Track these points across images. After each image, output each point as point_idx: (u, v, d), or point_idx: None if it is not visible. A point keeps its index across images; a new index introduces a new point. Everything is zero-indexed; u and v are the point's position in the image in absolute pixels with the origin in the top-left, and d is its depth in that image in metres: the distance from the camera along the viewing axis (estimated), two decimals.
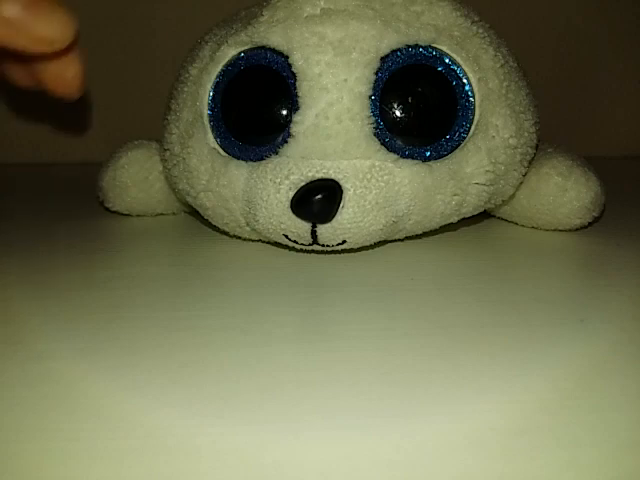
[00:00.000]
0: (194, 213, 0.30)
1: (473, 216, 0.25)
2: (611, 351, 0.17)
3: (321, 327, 0.19)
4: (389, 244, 0.26)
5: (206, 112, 0.24)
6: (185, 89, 0.24)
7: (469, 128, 0.22)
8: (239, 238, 0.26)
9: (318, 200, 0.21)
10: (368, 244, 0.24)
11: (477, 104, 0.22)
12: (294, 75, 0.22)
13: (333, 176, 0.22)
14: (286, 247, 0.25)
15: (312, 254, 0.25)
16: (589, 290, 0.22)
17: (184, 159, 0.24)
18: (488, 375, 0.16)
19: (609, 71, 0.42)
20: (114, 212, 0.31)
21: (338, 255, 0.25)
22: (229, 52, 0.23)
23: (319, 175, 0.22)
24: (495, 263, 0.25)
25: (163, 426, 0.14)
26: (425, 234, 0.26)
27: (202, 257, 0.26)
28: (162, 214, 0.31)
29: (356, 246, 0.24)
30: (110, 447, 0.14)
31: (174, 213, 0.31)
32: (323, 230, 0.22)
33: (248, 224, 0.24)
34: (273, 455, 0.13)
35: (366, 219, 0.22)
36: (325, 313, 0.20)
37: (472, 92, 0.22)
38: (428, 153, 0.22)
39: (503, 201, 0.26)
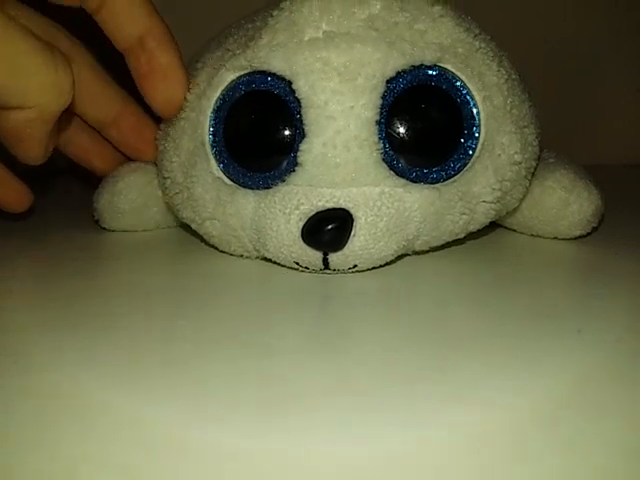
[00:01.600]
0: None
1: None
2: (608, 362, 0.17)
3: (321, 338, 0.19)
4: None
5: (207, 139, 0.23)
6: (183, 115, 0.24)
7: (475, 148, 0.22)
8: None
9: (329, 230, 0.21)
10: (379, 266, 0.23)
11: (482, 123, 0.22)
12: (298, 101, 0.21)
13: (343, 205, 0.21)
14: None
15: None
16: (586, 300, 0.22)
17: (188, 188, 0.23)
18: (484, 385, 0.16)
19: (608, 78, 0.42)
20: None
21: None
22: (228, 77, 0.23)
23: (329, 205, 0.21)
24: (492, 272, 0.25)
25: (161, 436, 0.14)
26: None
27: (202, 267, 0.26)
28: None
29: (366, 268, 0.23)
30: (110, 457, 0.13)
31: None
32: (335, 258, 0.22)
33: (257, 250, 0.24)
34: (273, 465, 0.13)
35: (377, 246, 0.22)
36: (325, 324, 0.20)
37: (477, 111, 0.22)
38: (436, 175, 0.22)
39: (507, 214, 0.26)
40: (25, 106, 0.20)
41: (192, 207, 0.24)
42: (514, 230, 0.29)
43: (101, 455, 0.14)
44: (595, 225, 0.27)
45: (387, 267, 0.25)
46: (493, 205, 0.23)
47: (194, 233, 0.26)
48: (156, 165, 0.27)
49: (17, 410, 0.15)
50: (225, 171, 0.23)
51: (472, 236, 0.27)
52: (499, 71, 0.23)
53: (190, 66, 0.25)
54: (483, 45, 0.23)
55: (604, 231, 0.28)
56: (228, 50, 0.23)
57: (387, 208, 0.21)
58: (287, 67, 0.21)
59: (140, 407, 0.15)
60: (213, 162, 0.23)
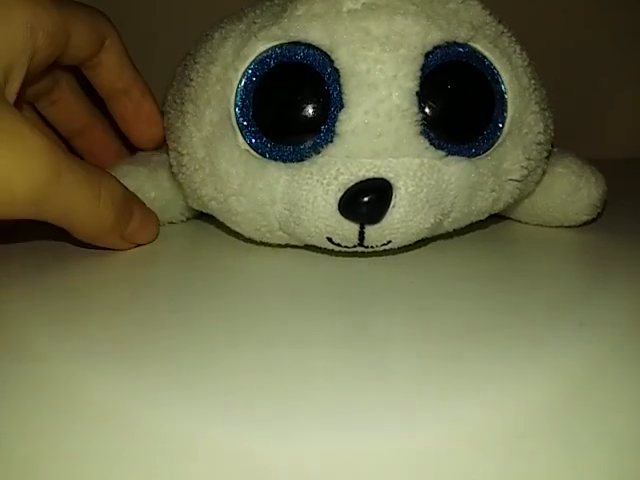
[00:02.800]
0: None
1: None
2: (611, 355, 0.18)
3: (321, 330, 0.19)
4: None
5: (234, 112, 0.22)
6: (207, 88, 0.23)
7: (504, 125, 0.23)
8: (255, 243, 0.25)
9: (369, 200, 0.21)
10: (410, 243, 0.23)
11: (510, 101, 0.23)
12: (337, 71, 0.21)
13: (384, 175, 0.21)
14: (289, 250, 0.25)
15: (316, 253, 0.25)
16: (589, 292, 0.22)
17: (212, 163, 0.22)
18: (488, 377, 0.16)
19: (609, 72, 0.44)
20: None
21: (342, 260, 0.25)
22: (258, 48, 0.22)
23: (370, 174, 0.21)
24: (495, 263, 0.25)
25: (162, 429, 0.14)
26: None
27: (203, 259, 0.25)
28: None
29: (398, 246, 0.23)
30: (107, 449, 0.13)
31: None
32: (371, 231, 0.22)
33: (282, 228, 0.23)
34: (274, 459, 0.13)
35: (416, 218, 0.22)
36: (326, 317, 0.20)
37: (505, 89, 0.23)
38: (473, 150, 0.22)
39: (521, 198, 0.26)
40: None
41: (214, 183, 0.23)
42: (519, 221, 0.29)
43: (97, 446, 0.13)
44: (600, 211, 0.28)
45: (386, 258, 0.25)
46: (519, 184, 0.24)
47: (195, 222, 0.25)
48: (167, 149, 0.26)
49: (13, 400, 0.15)
50: (254, 144, 0.22)
51: (476, 226, 0.28)
52: (522, 54, 0.23)
53: (210, 41, 0.24)
54: (506, 30, 0.24)
55: (607, 224, 0.29)
56: (255, 23, 0.23)
57: (427, 179, 0.21)
58: (326, 37, 0.21)
59: (139, 398, 0.15)
60: (240, 135, 0.22)
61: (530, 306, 0.21)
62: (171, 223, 0.30)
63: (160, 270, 0.24)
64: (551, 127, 0.24)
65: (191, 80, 0.24)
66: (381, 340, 0.18)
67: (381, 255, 0.25)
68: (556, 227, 0.28)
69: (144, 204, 0.26)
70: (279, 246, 0.25)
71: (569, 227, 0.28)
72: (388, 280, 0.23)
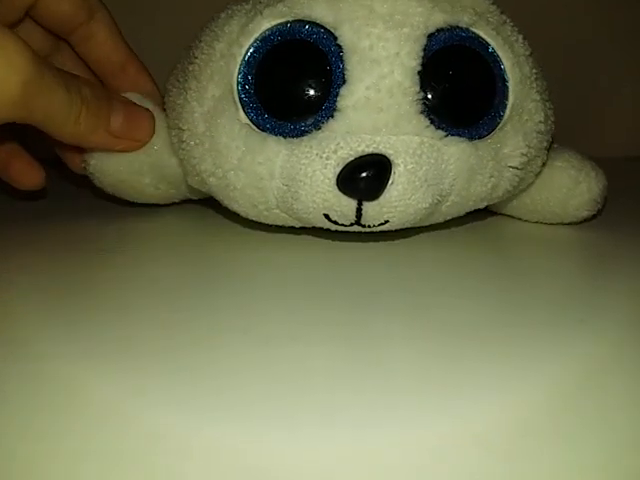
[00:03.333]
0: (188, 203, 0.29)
1: (475, 211, 0.25)
2: (612, 352, 0.18)
3: (320, 329, 0.19)
4: (386, 243, 0.26)
5: (236, 87, 0.22)
6: (210, 64, 0.23)
7: (506, 109, 0.23)
8: (253, 229, 0.25)
9: (368, 176, 0.21)
10: (408, 225, 0.23)
11: (512, 88, 0.23)
12: (340, 48, 0.21)
13: (383, 151, 0.21)
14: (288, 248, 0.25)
15: (315, 250, 0.25)
16: (589, 289, 0.22)
17: (212, 137, 0.22)
18: (488, 375, 0.16)
19: (609, 70, 0.44)
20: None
21: (340, 254, 0.24)
22: (263, 25, 0.22)
23: (369, 150, 0.21)
24: (494, 260, 0.25)
25: (162, 429, 0.14)
26: (425, 229, 0.26)
27: (202, 259, 0.25)
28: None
29: (396, 227, 0.23)
30: (106, 448, 0.13)
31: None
32: (369, 208, 0.22)
33: (279, 206, 0.23)
34: (272, 457, 0.13)
35: (414, 197, 0.22)
36: (326, 315, 0.20)
37: (507, 76, 0.23)
38: (474, 132, 0.22)
39: (520, 190, 0.26)
40: None
41: (214, 158, 0.23)
42: (518, 218, 0.29)
43: (96, 445, 0.13)
44: (600, 207, 0.27)
45: (384, 254, 0.25)
46: (518, 172, 0.24)
47: (197, 221, 0.26)
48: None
49: (15, 399, 0.15)
50: (255, 120, 0.22)
51: (471, 225, 0.28)
52: (524, 43, 0.24)
53: (217, 20, 0.24)
54: (509, 20, 0.24)
55: (606, 222, 0.29)
56: (260, 2, 0.23)
57: (427, 157, 0.21)
58: (330, 14, 0.21)
59: (138, 397, 0.15)
60: (241, 110, 0.22)
61: (530, 304, 0.20)
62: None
63: (160, 270, 0.24)
64: (552, 118, 0.25)
65: (195, 58, 0.24)
66: (381, 338, 0.18)
67: (379, 248, 0.25)
68: (556, 224, 0.28)
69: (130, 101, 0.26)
70: (276, 227, 0.25)
71: (569, 224, 0.28)
72: (387, 278, 0.23)
